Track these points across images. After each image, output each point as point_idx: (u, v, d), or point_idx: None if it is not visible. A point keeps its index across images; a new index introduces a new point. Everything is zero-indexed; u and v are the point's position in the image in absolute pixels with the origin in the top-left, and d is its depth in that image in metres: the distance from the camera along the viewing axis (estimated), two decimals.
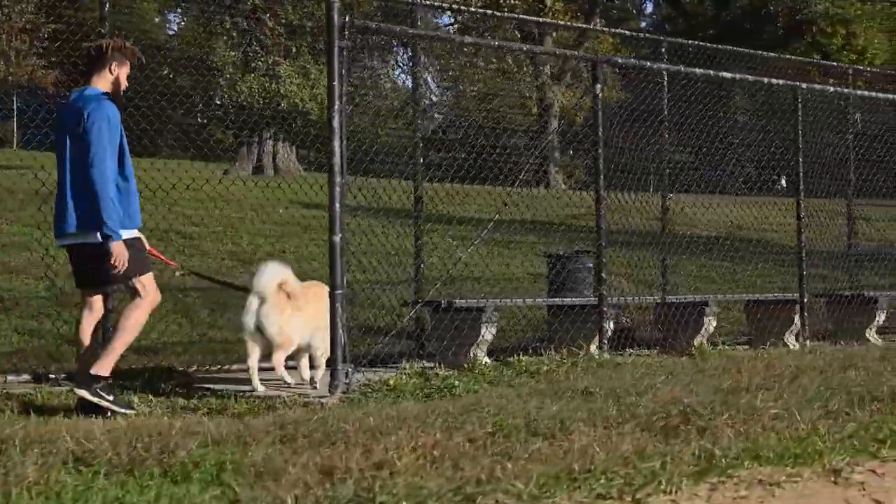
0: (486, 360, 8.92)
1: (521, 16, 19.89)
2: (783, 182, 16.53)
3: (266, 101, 26.55)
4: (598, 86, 8.93)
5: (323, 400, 7.38)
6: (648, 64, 9.93)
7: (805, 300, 10.44)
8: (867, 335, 12.35)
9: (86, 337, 7.33)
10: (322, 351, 8.12)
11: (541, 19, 31.11)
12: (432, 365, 8.85)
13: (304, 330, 8.04)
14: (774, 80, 9.99)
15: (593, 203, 9.37)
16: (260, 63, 23.69)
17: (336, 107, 7.64)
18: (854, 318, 12.35)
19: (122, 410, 7.01)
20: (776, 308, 11.49)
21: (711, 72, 9.67)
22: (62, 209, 7.22)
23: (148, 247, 7.58)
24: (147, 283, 7.28)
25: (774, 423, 5.10)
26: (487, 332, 9.19)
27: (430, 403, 6.69)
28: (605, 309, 9.40)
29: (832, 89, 10.62)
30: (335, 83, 7.63)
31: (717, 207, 11.59)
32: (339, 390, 7.57)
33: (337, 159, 7.63)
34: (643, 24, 54.95)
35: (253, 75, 24.29)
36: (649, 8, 58.06)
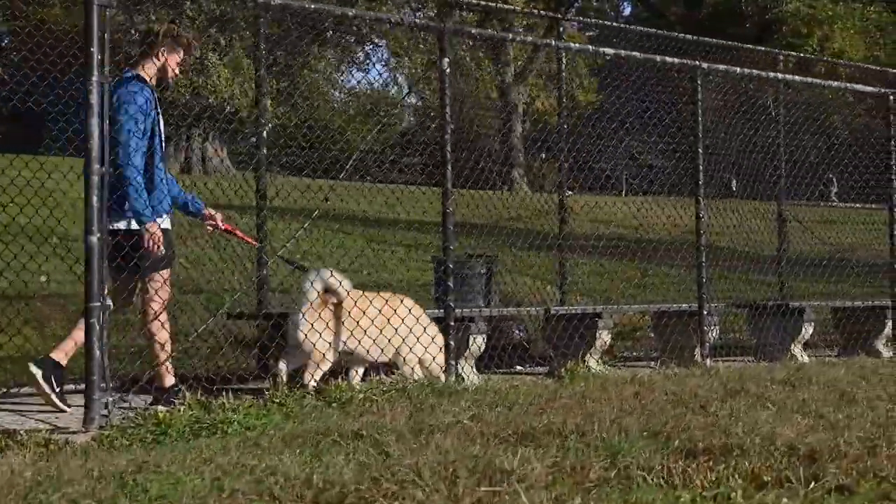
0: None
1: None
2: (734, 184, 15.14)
3: (193, 96, 25.18)
4: (446, 60, 7.52)
5: (77, 437, 6.00)
6: (510, 36, 8.45)
7: (704, 311, 9.03)
8: (792, 350, 10.97)
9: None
10: (411, 366, 7.85)
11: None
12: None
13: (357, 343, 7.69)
14: (669, 59, 8.55)
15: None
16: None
17: (94, 79, 6.22)
18: (779, 331, 10.96)
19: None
20: (684, 320, 10.09)
21: (590, 47, 8.21)
22: None
23: (222, 224, 7.70)
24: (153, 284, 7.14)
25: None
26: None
27: (183, 446, 5.30)
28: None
29: (740, 70, 9.18)
30: (93, 49, 6.21)
31: (619, 206, 10.17)
32: (96, 425, 6.16)
33: (95, 143, 6.20)
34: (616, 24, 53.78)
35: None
36: (627, 9, 57.02)
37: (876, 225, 12.09)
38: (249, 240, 8.21)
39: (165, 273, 7.29)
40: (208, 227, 7.90)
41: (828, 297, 12.13)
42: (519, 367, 10.02)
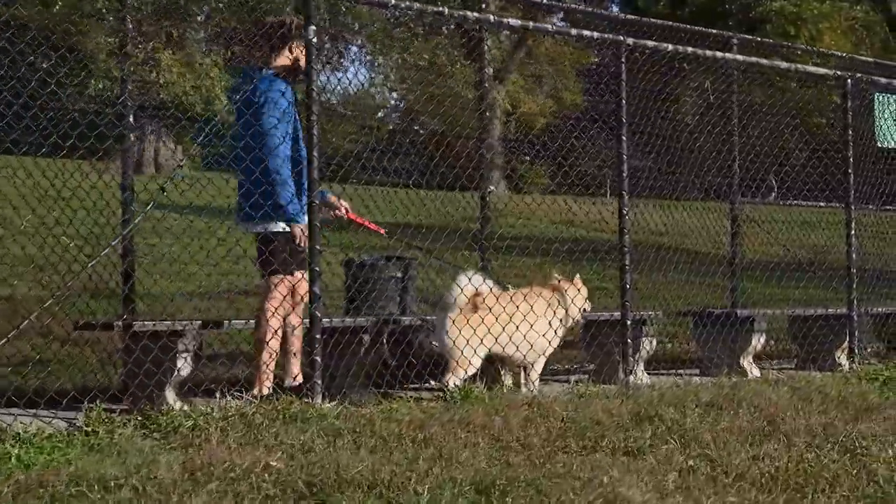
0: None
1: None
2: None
3: (144, 92, 24.02)
4: (312, 28, 6.40)
5: None
6: (446, 10, 7.32)
7: (628, 321, 7.91)
8: (742, 363, 9.87)
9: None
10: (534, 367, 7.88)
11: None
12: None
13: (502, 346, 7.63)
14: (587, 33, 7.42)
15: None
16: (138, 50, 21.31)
17: None
18: (727, 342, 9.85)
19: None
20: (616, 330, 8.97)
21: (491, 17, 7.07)
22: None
23: (348, 213, 7.61)
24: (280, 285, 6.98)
25: None
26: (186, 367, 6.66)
27: None
28: None
29: (672, 47, 8.07)
30: None
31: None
32: None
33: None
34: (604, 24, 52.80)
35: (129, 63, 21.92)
36: (614, 10, 56.16)
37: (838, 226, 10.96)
38: (378, 229, 8.05)
39: (300, 273, 7.11)
40: (331, 216, 7.68)
41: (784, 305, 11.06)
42: (433, 384, 8.90)
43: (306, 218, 6.87)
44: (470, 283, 7.55)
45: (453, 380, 7.45)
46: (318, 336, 6.47)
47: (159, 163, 26.26)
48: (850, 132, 9.15)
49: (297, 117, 7.14)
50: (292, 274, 7.10)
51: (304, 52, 6.94)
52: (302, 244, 6.94)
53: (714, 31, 11.11)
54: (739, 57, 8.57)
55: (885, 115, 11.27)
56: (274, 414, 5.94)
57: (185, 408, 6.21)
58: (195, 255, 8.86)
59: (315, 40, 6.52)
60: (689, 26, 11.25)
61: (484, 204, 9.60)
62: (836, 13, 43.29)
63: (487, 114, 9.51)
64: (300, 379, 7.13)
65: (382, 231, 8.16)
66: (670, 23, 11.44)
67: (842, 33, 42.74)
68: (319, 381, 6.48)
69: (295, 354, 7.21)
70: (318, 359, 6.45)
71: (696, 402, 6.75)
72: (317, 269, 6.51)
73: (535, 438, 5.46)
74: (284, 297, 7.03)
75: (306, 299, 7.06)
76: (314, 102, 6.45)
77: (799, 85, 10.39)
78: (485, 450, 5.03)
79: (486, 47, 8.91)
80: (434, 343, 7.72)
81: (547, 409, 6.34)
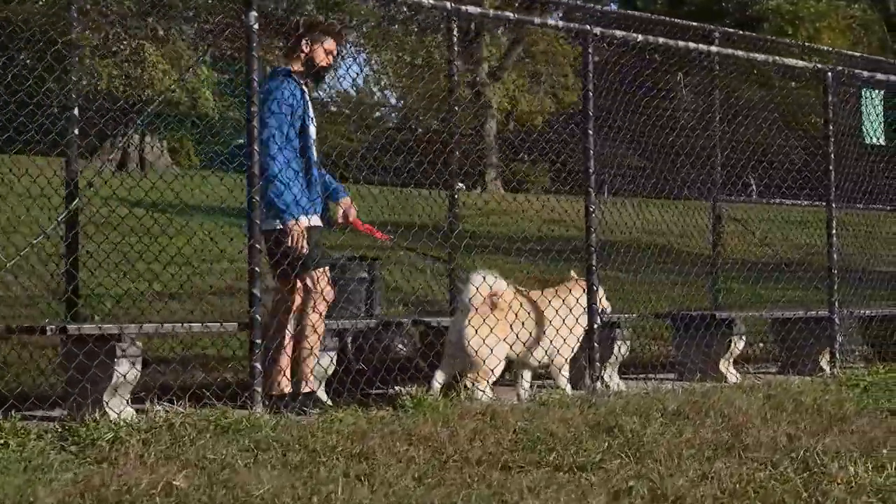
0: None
1: None
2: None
3: (129, 88, 23.69)
4: (253, 13, 6.03)
5: None
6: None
7: (595, 324, 7.53)
8: (720, 368, 9.50)
9: None
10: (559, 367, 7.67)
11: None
12: None
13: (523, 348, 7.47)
14: (552, 21, 7.03)
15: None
16: (122, 46, 21.01)
17: None
18: (706, 346, 9.47)
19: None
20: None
21: (448, 4, 6.68)
22: None
23: (352, 218, 7.36)
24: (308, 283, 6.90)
25: None
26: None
27: None
28: None
29: (642, 38, 7.68)
30: None
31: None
32: None
33: None
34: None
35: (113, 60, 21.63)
36: (613, 7, 55.79)
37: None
38: (384, 236, 7.77)
39: (320, 273, 6.99)
40: (338, 219, 7.53)
41: (770, 307, 10.70)
42: (399, 389, 8.52)
43: (311, 218, 6.89)
44: (485, 282, 7.31)
45: (479, 390, 7.22)
46: (257, 341, 6.10)
47: (144, 161, 25.85)
48: (831, 127, 8.77)
49: (311, 117, 7.10)
50: (318, 267, 6.99)
51: (316, 50, 7.04)
52: (294, 244, 6.81)
53: (695, 23, 10.75)
54: (713, 48, 8.18)
55: (871, 112, 10.91)
56: (205, 425, 5.58)
57: (116, 417, 5.85)
58: (152, 253, 8.48)
59: (256, 26, 6.15)
60: (670, 19, 10.91)
61: (453, 202, 9.24)
62: (833, 12, 43.06)
63: (469, 111, 9.15)
64: (313, 385, 7.06)
65: (388, 238, 7.93)
66: (666, 17, 11.09)
67: (840, 32, 42.46)
68: (259, 389, 6.11)
69: (305, 359, 7.04)
70: (258, 365, 6.08)
71: (661, 410, 6.39)
72: (256, 269, 6.14)
73: (479, 452, 5.10)
74: (321, 291, 6.96)
75: (328, 298, 7.04)
76: (254, 93, 6.08)
77: (779, 79, 10.01)
78: (420, 465, 4.67)
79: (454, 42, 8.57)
80: (454, 350, 7.40)
81: (502, 420, 5.97)
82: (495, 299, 7.36)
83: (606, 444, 5.36)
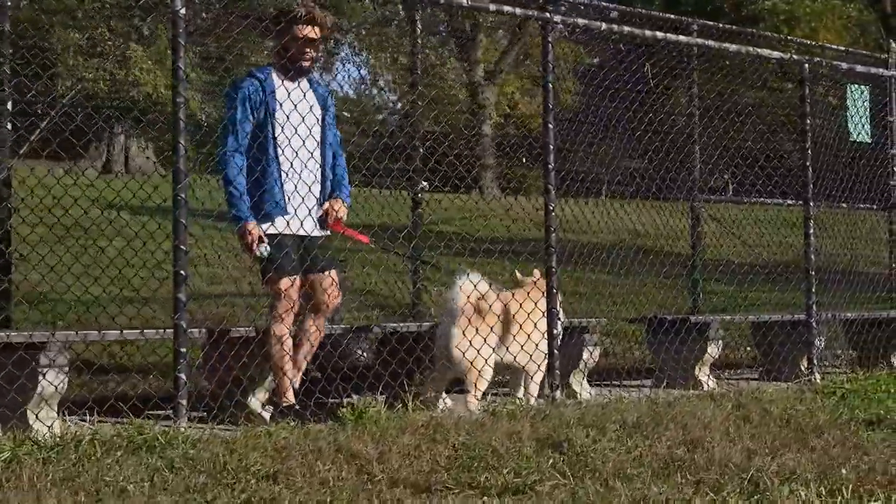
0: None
1: None
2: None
3: (114, 89, 23.32)
4: None
5: None
6: None
7: (555, 329, 7.11)
8: (697, 375, 9.09)
9: None
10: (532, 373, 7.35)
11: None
12: None
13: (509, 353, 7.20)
14: (508, 8, 6.61)
15: None
16: (107, 47, 20.72)
17: None
18: (681, 351, 9.06)
19: None
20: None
21: None
22: None
23: (331, 221, 6.83)
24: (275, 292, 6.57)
25: None
26: None
27: None
28: None
29: (606, 26, 7.27)
30: None
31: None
32: None
33: None
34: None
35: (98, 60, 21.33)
36: (614, 14, 55.33)
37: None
38: (363, 238, 7.19)
39: (285, 282, 6.55)
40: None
41: (747, 310, 10.29)
42: (355, 398, 8.09)
43: (277, 222, 6.57)
44: (472, 285, 7.03)
45: (473, 399, 7.02)
46: (182, 350, 5.68)
47: (129, 163, 25.41)
48: (808, 122, 8.35)
49: (277, 112, 6.67)
50: (289, 275, 6.59)
51: (287, 40, 6.69)
52: (245, 249, 6.55)
53: (672, 16, 10.33)
54: (682, 38, 7.74)
55: (857, 108, 10.49)
56: (117, 441, 5.16)
57: (45, 431, 5.46)
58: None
59: (183, 11, 5.73)
60: (645, 11, 10.53)
61: (416, 203, 8.84)
62: (829, 12, 42.72)
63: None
64: (290, 396, 6.73)
65: (367, 240, 7.45)
66: (661, 14, 10.67)
67: (836, 33, 42.10)
68: (184, 402, 5.70)
69: (297, 366, 6.79)
70: (183, 376, 5.67)
71: (620, 422, 5.98)
72: (181, 272, 5.73)
73: (408, 472, 4.69)
74: (283, 299, 6.58)
75: (332, 303, 6.82)
76: (180, 82, 5.67)
77: (757, 74, 9.60)
78: (333, 488, 4.27)
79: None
80: (442, 358, 7.14)
81: (443, 434, 5.55)
82: (483, 303, 7.06)
83: (551, 460, 4.97)
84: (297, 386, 6.80)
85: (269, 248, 6.46)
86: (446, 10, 9.08)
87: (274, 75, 6.75)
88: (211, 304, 10.73)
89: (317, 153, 6.86)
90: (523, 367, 7.39)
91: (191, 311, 10.14)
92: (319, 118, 6.90)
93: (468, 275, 7.12)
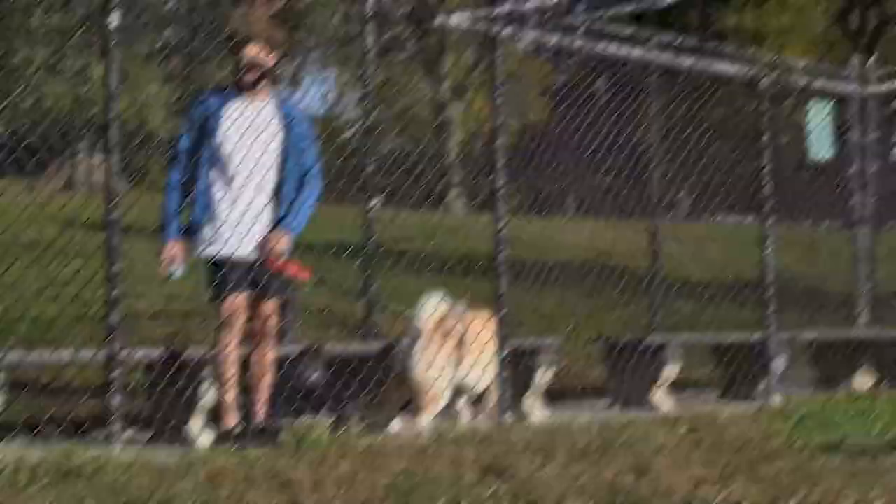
0: None
1: None
2: None
3: (76, 107, 23.10)
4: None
5: None
6: None
7: (504, 350, 6.93)
8: (654, 397, 8.92)
9: None
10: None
11: None
12: None
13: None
14: (453, 20, 6.45)
15: None
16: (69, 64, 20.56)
17: None
18: (637, 373, 8.90)
19: None
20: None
21: None
22: None
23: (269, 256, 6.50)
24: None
25: None
26: None
27: None
28: None
29: (533, 35, 7.10)
30: None
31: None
32: None
33: None
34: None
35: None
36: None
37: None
38: (301, 273, 6.70)
39: (226, 304, 6.43)
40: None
41: (703, 330, 10.11)
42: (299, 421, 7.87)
43: (216, 242, 6.45)
44: (435, 306, 7.07)
45: (426, 418, 7.00)
46: (115, 374, 5.46)
47: (92, 181, 25.09)
48: (765, 138, 8.21)
49: (217, 133, 6.55)
50: (231, 295, 6.48)
51: (239, 60, 6.62)
52: (165, 266, 6.47)
53: (629, 31, 10.18)
54: (635, 52, 7.58)
55: (818, 125, 10.37)
56: (44, 469, 4.93)
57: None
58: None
59: (116, 24, 5.54)
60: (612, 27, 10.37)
61: (369, 219, 8.62)
62: (798, 27, 42.87)
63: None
64: (230, 420, 6.55)
65: (307, 276, 6.98)
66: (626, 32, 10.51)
67: (803, 49, 42.23)
68: (118, 426, 5.48)
69: (256, 391, 6.64)
70: (116, 400, 5.44)
71: (568, 447, 5.80)
72: (115, 292, 5.52)
73: (342, 502, 4.49)
74: (225, 320, 6.47)
75: (267, 333, 6.61)
76: (112, 98, 5.46)
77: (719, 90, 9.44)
78: None
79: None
80: (403, 379, 7.18)
81: (384, 461, 5.36)
82: (447, 324, 7.09)
83: (492, 489, 4.78)
84: (259, 411, 6.64)
85: (180, 270, 6.30)
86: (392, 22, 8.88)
87: (230, 95, 6.69)
88: (167, 324, 10.52)
89: (267, 175, 6.66)
90: (473, 389, 7.24)
91: (145, 330, 9.89)
92: (276, 139, 6.69)
93: (430, 297, 7.08)
